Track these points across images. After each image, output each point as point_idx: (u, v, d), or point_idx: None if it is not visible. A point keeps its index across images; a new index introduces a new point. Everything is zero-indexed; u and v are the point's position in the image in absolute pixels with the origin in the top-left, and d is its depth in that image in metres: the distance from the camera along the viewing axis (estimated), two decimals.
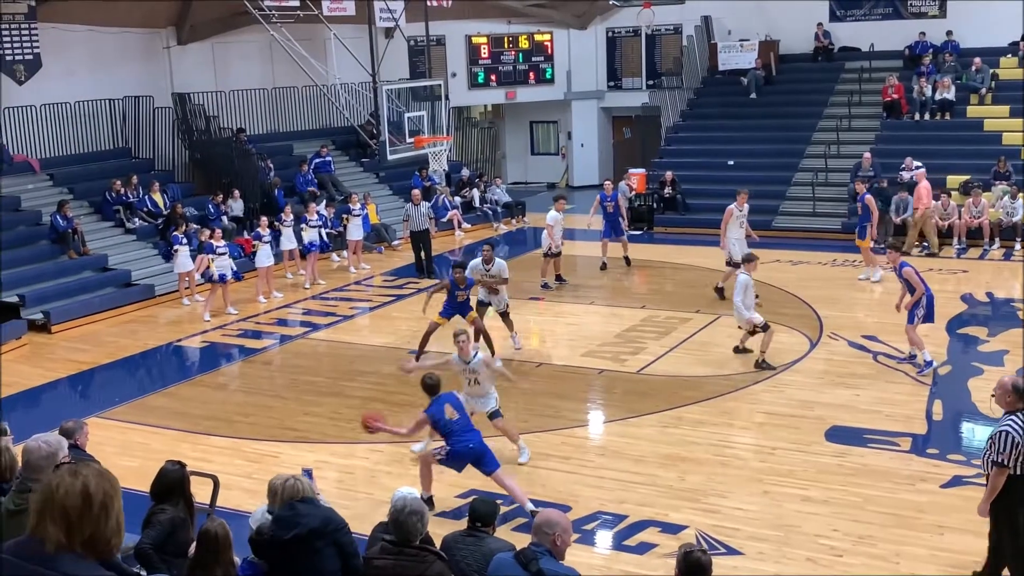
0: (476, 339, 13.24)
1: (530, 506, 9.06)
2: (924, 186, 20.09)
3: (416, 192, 20.19)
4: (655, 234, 23.03)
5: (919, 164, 21.62)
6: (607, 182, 20.05)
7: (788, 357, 13.66)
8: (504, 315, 14.53)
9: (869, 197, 17.66)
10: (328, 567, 5.52)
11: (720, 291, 16.60)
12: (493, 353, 13.37)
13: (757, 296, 13.97)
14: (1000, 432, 6.99)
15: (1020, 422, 6.97)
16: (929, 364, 12.65)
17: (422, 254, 19.69)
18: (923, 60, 24.46)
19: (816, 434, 10.95)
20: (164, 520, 5.98)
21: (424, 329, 13.85)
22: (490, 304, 14.45)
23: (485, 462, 9.12)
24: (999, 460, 6.97)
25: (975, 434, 10.89)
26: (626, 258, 19.33)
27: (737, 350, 13.80)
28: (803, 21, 26.49)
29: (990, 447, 7.04)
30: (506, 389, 12.93)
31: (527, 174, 32.57)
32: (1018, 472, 6.95)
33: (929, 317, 12.87)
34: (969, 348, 13.87)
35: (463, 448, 9.03)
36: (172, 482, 6.19)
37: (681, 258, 20.20)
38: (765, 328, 13.19)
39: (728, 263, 16.63)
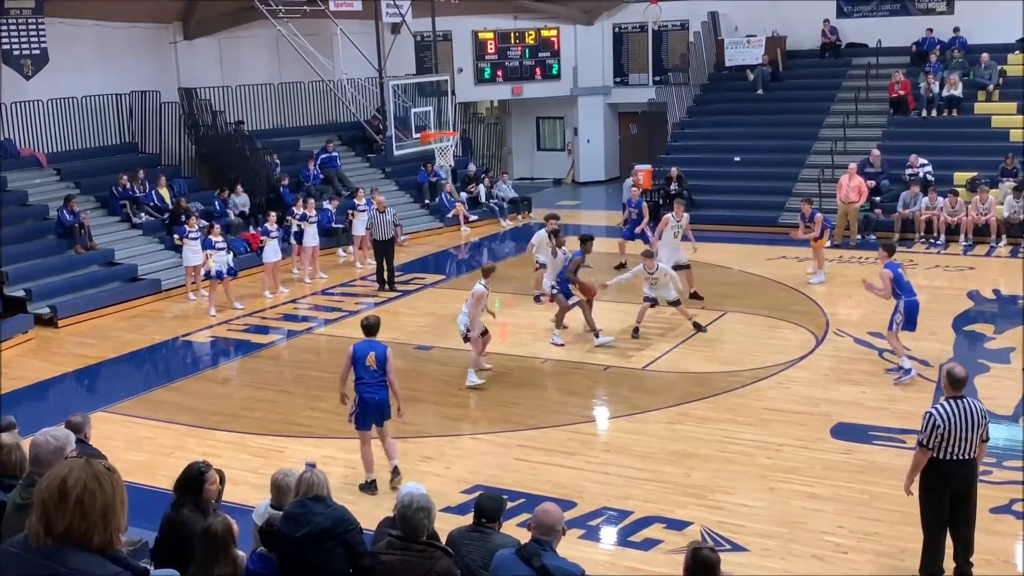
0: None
1: (395, 463, 9.85)
2: (856, 182, 20.28)
3: (381, 199, 19.24)
4: None
5: (925, 162, 21.62)
6: (634, 189, 19.99)
7: (794, 354, 13.67)
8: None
9: (819, 216, 17.71)
10: (337, 566, 5.53)
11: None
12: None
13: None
14: (926, 414, 7.42)
15: (947, 408, 7.33)
16: (908, 372, 12.27)
17: (384, 263, 18.41)
18: (930, 56, 24.40)
19: (822, 431, 10.95)
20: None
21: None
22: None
23: (385, 416, 9.79)
24: (920, 440, 7.44)
25: None
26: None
27: (698, 326, 14.88)
28: (810, 17, 26.46)
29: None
30: (511, 384, 12.98)
31: (533, 170, 32.56)
32: (940, 456, 7.34)
33: (909, 324, 12.38)
34: (976, 345, 13.84)
35: (371, 399, 9.65)
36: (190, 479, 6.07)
37: (686, 254, 20.10)
38: (646, 300, 14.64)
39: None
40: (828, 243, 18.38)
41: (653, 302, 14.73)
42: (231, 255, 17.91)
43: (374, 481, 9.83)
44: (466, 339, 12.98)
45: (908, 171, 21.54)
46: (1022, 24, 23.63)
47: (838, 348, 13.89)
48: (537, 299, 16.38)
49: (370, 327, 9.95)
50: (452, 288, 18.38)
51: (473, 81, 29.51)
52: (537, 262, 16.25)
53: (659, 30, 29.31)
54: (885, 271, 12.44)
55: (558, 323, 14.82)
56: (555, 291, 14.81)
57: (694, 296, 16.40)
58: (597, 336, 14.38)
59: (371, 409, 9.70)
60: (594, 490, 9.68)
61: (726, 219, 21.93)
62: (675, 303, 14.82)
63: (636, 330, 14.74)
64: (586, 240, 14.98)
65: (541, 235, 16.14)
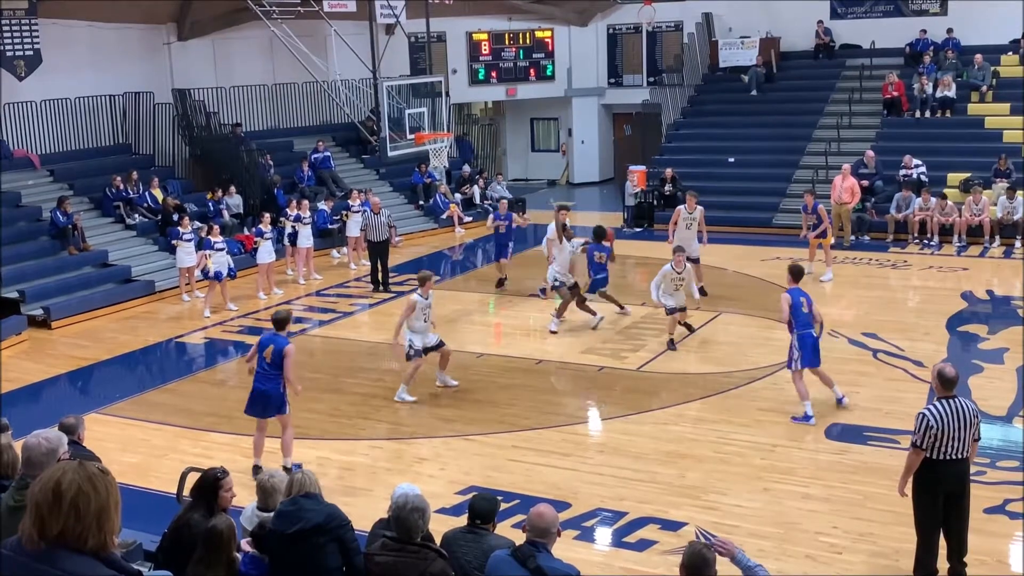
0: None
1: (289, 462, 10.03)
2: (849, 183, 20.32)
3: (376, 200, 19.14)
4: (655, 231, 23.00)
5: (919, 163, 21.66)
6: (503, 200, 19.87)
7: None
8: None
9: (821, 207, 17.94)
10: (330, 564, 5.52)
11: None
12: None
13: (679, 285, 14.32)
14: (919, 415, 7.43)
15: (940, 409, 7.36)
16: (808, 418, 11.17)
17: (379, 264, 18.37)
18: (924, 57, 24.46)
19: (816, 431, 10.96)
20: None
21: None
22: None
23: (272, 408, 10.10)
24: (914, 441, 7.44)
25: None
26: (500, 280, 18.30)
27: (688, 327, 14.70)
28: (804, 18, 26.50)
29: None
30: (505, 385, 12.98)
31: (528, 171, 32.55)
32: (933, 456, 7.36)
33: (806, 360, 11.28)
34: (969, 346, 13.87)
35: (257, 388, 10.07)
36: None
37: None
38: (671, 312, 14.11)
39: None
40: (833, 239, 18.56)
41: (674, 311, 14.13)
42: (229, 256, 17.89)
43: (258, 466, 9.95)
44: (408, 357, 12.41)
45: (903, 172, 21.58)
46: (1020, 25, 23.65)
47: (832, 349, 13.84)
48: (541, 292, 16.71)
49: (277, 322, 10.18)
50: (446, 290, 18.36)
51: (467, 82, 29.49)
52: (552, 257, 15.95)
53: (653, 31, 29.34)
54: (784, 296, 11.47)
55: (559, 313, 15.16)
56: (557, 284, 15.23)
57: (700, 292, 16.27)
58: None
59: (256, 397, 10.09)
60: (588, 491, 9.68)
61: (720, 220, 21.90)
62: (681, 310, 14.31)
63: (672, 341, 14.13)
64: (600, 234, 15.53)
65: (553, 228, 15.95)
